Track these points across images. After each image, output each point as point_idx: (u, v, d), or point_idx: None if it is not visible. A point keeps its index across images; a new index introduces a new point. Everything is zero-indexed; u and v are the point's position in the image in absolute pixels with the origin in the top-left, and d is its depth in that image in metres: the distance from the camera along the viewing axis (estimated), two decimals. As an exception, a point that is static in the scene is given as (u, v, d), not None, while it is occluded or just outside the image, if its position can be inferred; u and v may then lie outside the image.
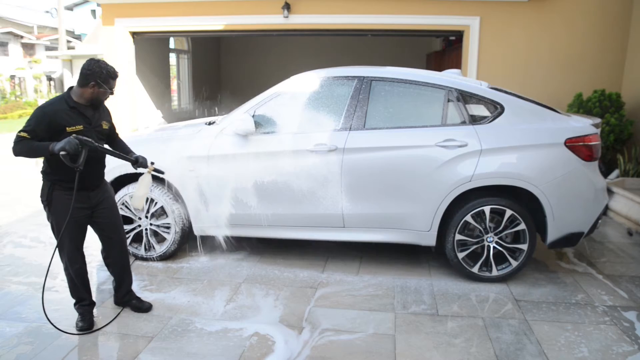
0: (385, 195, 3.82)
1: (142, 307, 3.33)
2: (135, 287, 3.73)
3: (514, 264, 3.76)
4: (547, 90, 6.92)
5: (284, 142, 3.88)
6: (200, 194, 4.01)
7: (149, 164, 3.23)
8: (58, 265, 4.13)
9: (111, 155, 3.08)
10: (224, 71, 13.64)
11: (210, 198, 4.01)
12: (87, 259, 4.30)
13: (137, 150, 4.23)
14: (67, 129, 2.81)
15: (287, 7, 7.27)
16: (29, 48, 28.42)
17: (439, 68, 7.66)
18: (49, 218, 3.03)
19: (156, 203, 4.10)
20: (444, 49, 10.25)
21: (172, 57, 11.02)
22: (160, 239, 4.26)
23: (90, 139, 2.81)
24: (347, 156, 3.79)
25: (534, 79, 7.03)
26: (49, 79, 26.09)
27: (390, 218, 3.86)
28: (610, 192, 5.58)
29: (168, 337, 3.00)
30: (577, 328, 3.14)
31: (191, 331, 3.08)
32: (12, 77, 25.80)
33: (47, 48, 28.48)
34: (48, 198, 2.94)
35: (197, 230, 4.16)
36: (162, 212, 4.15)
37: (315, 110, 3.97)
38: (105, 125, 3.07)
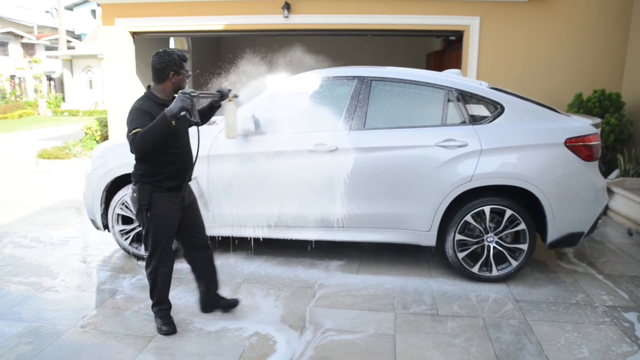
0: (385, 195, 3.82)
1: (231, 303, 3.32)
2: (135, 287, 3.73)
3: (514, 264, 3.76)
4: (547, 90, 6.92)
5: (284, 142, 3.88)
6: (200, 194, 4.01)
7: (229, 93, 3.12)
8: (58, 266, 4.15)
9: (206, 97, 3.05)
10: (224, 71, 13.64)
11: (210, 198, 4.01)
12: (87, 259, 4.34)
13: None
14: None
15: (287, 7, 7.27)
16: (29, 48, 28.42)
17: (439, 68, 7.66)
18: (143, 222, 2.94)
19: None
20: (444, 49, 10.26)
21: (172, 57, 11.00)
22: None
23: (192, 90, 2.77)
24: (347, 156, 3.79)
25: (533, 79, 7.03)
26: (49, 79, 26.09)
27: (391, 218, 3.86)
28: (610, 192, 5.58)
29: (168, 337, 3.00)
30: (577, 328, 3.14)
31: (191, 331, 3.08)
32: (12, 77, 25.82)
33: (47, 48, 28.48)
34: (149, 202, 2.87)
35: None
36: (162, 212, 4.15)
37: (315, 110, 3.96)
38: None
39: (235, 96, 3.19)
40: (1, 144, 12.85)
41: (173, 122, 2.65)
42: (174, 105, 2.64)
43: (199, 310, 3.30)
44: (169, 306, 3.12)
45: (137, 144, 2.65)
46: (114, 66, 8.09)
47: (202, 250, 3.19)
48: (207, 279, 3.24)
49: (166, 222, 2.94)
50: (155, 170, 2.86)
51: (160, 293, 3.07)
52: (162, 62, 2.81)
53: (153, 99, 2.85)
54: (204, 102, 3.21)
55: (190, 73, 2.95)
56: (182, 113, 2.65)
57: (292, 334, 3.05)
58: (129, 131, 2.69)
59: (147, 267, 3.04)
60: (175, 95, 2.78)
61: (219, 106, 3.20)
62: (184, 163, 2.95)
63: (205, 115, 3.18)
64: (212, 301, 3.27)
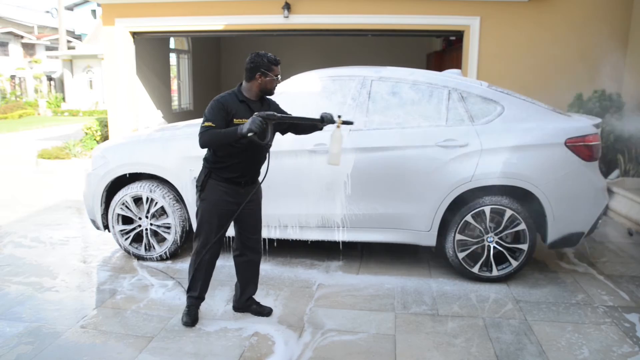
0: (385, 195, 3.82)
1: (263, 312, 3.26)
2: (135, 287, 3.73)
3: (514, 264, 3.76)
4: (547, 90, 6.90)
5: (284, 142, 3.86)
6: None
7: (335, 118, 3.06)
8: (58, 266, 4.15)
9: (292, 120, 3.04)
10: (224, 71, 13.64)
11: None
12: (87, 259, 4.33)
13: (138, 149, 4.28)
14: (235, 120, 2.85)
15: (287, 7, 7.26)
16: (29, 48, 28.42)
17: (439, 68, 7.66)
18: (197, 203, 3.07)
19: (156, 203, 4.10)
20: (444, 49, 10.25)
21: (172, 57, 11.02)
22: (161, 239, 4.25)
23: (272, 112, 2.82)
24: (347, 156, 3.79)
25: (534, 78, 7.02)
26: (49, 79, 26.09)
27: (391, 218, 3.86)
28: (610, 192, 5.58)
29: (168, 337, 3.00)
30: (578, 328, 3.14)
31: (191, 331, 3.07)
32: (13, 77, 25.81)
33: (48, 48, 28.47)
34: (202, 184, 2.98)
35: (198, 230, 4.16)
36: (162, 212, 4.15)
37: (316, 110, 3.95)
38: None
39: (349, 122, 3.10)
40: (1, 144, 12.85)
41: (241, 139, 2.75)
42: (245, 125, 2.73)
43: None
44: (198, 296, 3.13)
45: (204, 139, 2.82)
46: (114, 66, 8.08)
47: (251, 252, 3.19)
48: (246, 281, 3.24)
49: (215, 211, 2.97)
50: (217, 157, 2.95)
51: (194, 279, 3.10)
52: (252, 62, 2.90)
53: (237, 94, 2.94)
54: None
55: (279, 78, 2.98)
56: (250, 134, 2.70)
57: (292, 334, 3.05)
58: (203, 122, 2.83)
59: (193, 249, 3.10)
60: (267, 97, 2.98)
61: (321, 129, 3.14)
62: (247, 162, 2.97)
63: (301, 131, 3.16)
64: (245, 303, 3.27)
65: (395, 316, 3.29)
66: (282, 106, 4.05)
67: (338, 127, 3.06)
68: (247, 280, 3.24)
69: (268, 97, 3.05)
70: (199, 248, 3.04)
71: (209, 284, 3.18)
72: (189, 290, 3.14)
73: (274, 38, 11.73)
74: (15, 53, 27.34)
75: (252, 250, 3.19)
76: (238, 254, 3.21)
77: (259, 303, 3.30)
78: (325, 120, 3.06)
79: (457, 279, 3.87)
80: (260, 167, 3.06)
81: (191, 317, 3.12)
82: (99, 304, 3.44)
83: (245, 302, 3.28)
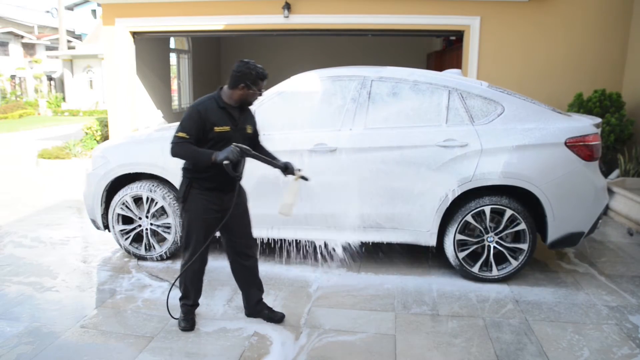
0: (385, 195, 3.81)
1: (275, 317, 3.19)
2: (135, 287, 3.73)
3: (514, 263, 3.76)
4: (547, 90, 6.91)
5: (284, 142, 3.87)
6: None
7: (295, 170, 3.07)
8: (58, 266, 4.15)
9: (261, 161, 3.04)
10: (224, 71, 13.64)
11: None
12: (87, 259, 4.33)
13: (138, 149, 4.28)
14: (215, 128, 2.82)
15: (288, 7, 7.26)
16: (29, 48, 28.41)
17: (439, 68, 7.66)
18: (181, 215, 3.07)
19: (157, 203, 4.10)
20: (444, 49, 10.25)
21: (173, 57, 11.02)
22: (161, 239, 4.26)
23: (248, 148, 2.84)
24: (347, 156, 3.79)
25: (534, 78, 7.02)
26: (50, 78, 26.09)
27: (391, 218, 3.85)
28: (610, 192, 5.58)
29: (168, 337, 3.00)
30: (578, 328, 3.14)
31: (191, 331, 3.07)
32: (13, 77, 25.80)
33: (48, 48, 28.47)
34: (184, 196, 2.96)
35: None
36: (162, 212, 4.15)
37: (316, 110, 3.96)
38: (249, 130, 3.02)
39: (305, 178, 3.09)
40: (1, 144, 12.85)
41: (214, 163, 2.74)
42: (221, 153, 2.72)
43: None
44: (193, 303, 3.14)
45: (176, 151, 2.80)
46: (114, 66, 8.08)
47: (242, 257, 3.15)
48: (247, 285, 3.20)
49: (200, 221, 2.95)
50: (197, 168, 2.91)
51: (186, 288, 3.10)
52: (239, 71, 2.85)
53: (217, 100, 2.89)
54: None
55: (261, 93, 2.95)
56: (226, 162, 2.70)
57: (291, 334, 3.05)
58: (177, 131, 2.80)
59: (182, 259, 3.09)
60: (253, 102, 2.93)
61: (284, 174, 3.12)
62: (224, 174, 2.88)
63: (263, 161, 3.07)
64: (255, 308, 3.22)
65: (395, 316, 3.29)
66: (282, 107, 4.07)
67: (296, 179, 3.07)
68: (248, 284, 3.20)
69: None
70: (188, 258, 3.02)
71: (201, 290, 3.18)
72: (182, 298, 3.13)
73: (274, 38, 11.75)
74: (16, 53, 27.34)
75: (243, 256, 3.14)
76: (231, 261, 3.18)
77: (270, 308, 3.25)
78: (287, 169, 3.08)
79: (457, 279, 3.87)
80: (241, 174, 3.03)
81: (189, 323, 3.10)
82: (99, 304, 3.44)
83: (256, 306, 3.22)
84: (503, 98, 3.83)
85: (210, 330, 3.09)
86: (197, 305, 3.20)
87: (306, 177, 3.13)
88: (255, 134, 3.14)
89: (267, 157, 3.07)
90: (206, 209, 2.94)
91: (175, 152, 2.81)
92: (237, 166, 2.84)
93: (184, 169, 3.00)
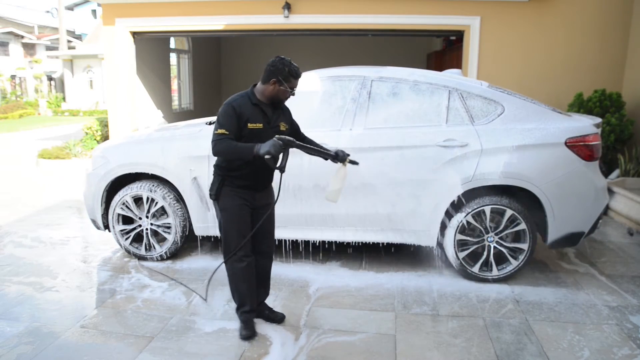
0: (385, 195, 3.81)
1: (275, 318, 3.18)
2: (135, 287, 3.73)
3: (515, 263, 3.76)
4: (547, 90, 6.91)
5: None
6: (201, 194, 4.01)
7: (347, 158, 3.09)
8: (58, 266, 4.15)
9: (310, 152, 3.01)
10: (224, 71, 13.64)
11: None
12: (87, 259, 4.33)
13: (138, 149, 4.28)
14: (249, 125, 2.78)
15: (288, 7, 7.26)
16: (29, 48, 28.42)
17: (439, 68, 7.66)
18: (217, 215, 2.99)
19: (157, 203, 4.10)
20: (444, 49, 10.25)
21: (173, 57, 11.02)
22: (161, 239, 4.26)
23: (292, 139, 2.79)
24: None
25: (534, 78, 7.02)
26: (50, 78, 26.10)
27: (391, 218, 3.85)
28: (610, 192, 5.57)
29: (168, 337, 3.00)
30: (578, 328, 3.14)
31: (191, 331, 3.08)
32: (13, 77, 25.81)
33: (48, 48, 28.47)
34: (217, 193, 2.91)
35: (198, 231, 4.16)
36: (162, 212, 4.15)
37: (316, 110, 3.96)
38: (283, 127, 2.96)
39: (354, 162, 3.11)
40: (2, 143, 12.85)
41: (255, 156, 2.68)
42: (263, 146, 2.65)
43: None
44: (251, 309, 3.04)
45: (218, 149, 2.74)
46: (114, 66, 8.08)
47: (261, 257, 3.11)
48: (257, 285, 3.15)
49: (237, 217, 2.90)
50: (230, 165, 2.88)
51: (241, 294, 3.01)
52: (273, 66, 2.82)
53: (250, 97, 2.85)
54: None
55: (293, 92, 2.90)
56: (267, 157, 2.65)
57: (291, 334, 3.05)
58: (215, 129, 2.75)
59: (225, 264, 3.01)
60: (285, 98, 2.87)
61: (327, 159, 3.13)
62: (261, 169, 2.88)
63: (311, 151, 3.06)
64: (257, 309, 3.18)
65: (395, 316, 3.29)
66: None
67: (344, 165, 3.08)
68: (258, 283, 3.15)
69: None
70: (233, 261, 2.94)
71: (255, 293, 3.08)
72: (240, 307, 3.04)
73: (274, 38, 11.74)
74: (16, 53, 27.34)
75: (263, 255, 3.12)
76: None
77: (271, 309, 3.25)
78: (338, 157, 3.07)
79: (458, 279, 3.87)
80: (272, 174, 3.00)
81: (250, 330, 3.00)
82: (99, 304, 3.44)
83: (257, 307, 3.19)
84: (503, 98, 3.83)
85: (210, 330, 3.09)
86: (255, 311, 3.09)
87: (356, 162, 3.13)
88: (295, 129, 3.09)
89: (314, 147, 3.03)
90: (241, 206, 2.90)
91: (217, 150, 2.74)
92: (277, 159, 2.76)
93: (216, 166, 2.95)
